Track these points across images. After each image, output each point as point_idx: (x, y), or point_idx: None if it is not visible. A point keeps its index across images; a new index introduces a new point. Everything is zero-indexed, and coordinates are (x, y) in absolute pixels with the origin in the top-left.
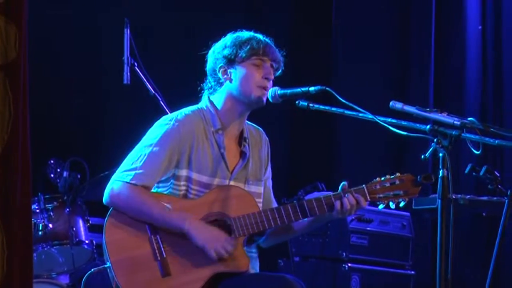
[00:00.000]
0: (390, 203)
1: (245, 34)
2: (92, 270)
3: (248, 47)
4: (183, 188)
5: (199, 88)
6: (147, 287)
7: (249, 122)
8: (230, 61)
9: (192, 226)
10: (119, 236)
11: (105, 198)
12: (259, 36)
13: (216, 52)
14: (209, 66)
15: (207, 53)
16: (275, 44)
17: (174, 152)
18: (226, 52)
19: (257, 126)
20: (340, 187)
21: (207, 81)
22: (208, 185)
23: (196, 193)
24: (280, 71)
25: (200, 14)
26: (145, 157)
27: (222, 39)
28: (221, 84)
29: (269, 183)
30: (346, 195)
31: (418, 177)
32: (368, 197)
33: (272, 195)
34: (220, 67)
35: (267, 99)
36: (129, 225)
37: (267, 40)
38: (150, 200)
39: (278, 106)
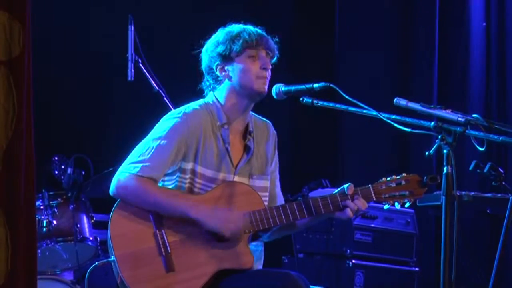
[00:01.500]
0: (396, 203)
1: (236, 27)
2: (97, 263)
3: (241, 40)
4: (188, 181)
5: (198, 89)
6: (150, 282)
7: (256, 115)
8: (226, 58)
9: (200, 212)
10: (124, 231)
11: (112, 189)
12: (250, 27)
13: (210, 50)
14: (204, 64)
15: (200, 51)
16: (278, 36)
17: (182, 145)
18: (220, 49)
19: (264, 119)
20: (345, 188)
21: (205, 80)
22: (213, 179)
23: (201, 187)
24: (275, 58)
25: (204, 10)
26: (153, 150)
27: (214, 36)
28: (220, 82)
29: (275, 175)
30: (355, 197)
31: (424, 178)
32: (374, 197)
33: (278, 188)
34: (217, 65)
35: (272, 95)
36: (134, 219)
37: (258, 30)
38: (156, 190)
39: (282, 103)
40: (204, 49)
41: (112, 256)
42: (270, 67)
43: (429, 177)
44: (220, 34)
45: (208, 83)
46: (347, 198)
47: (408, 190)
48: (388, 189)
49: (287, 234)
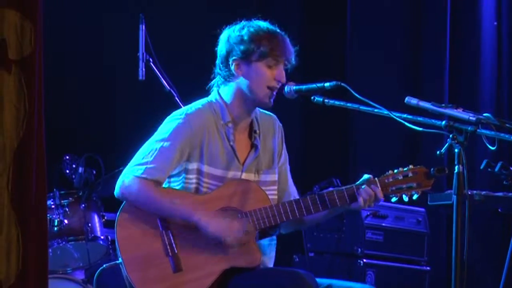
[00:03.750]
0: (403, 196)
1: (263, 28)
2: (104, 266)
3: (266, 47)
4: (194, 181)
5: (209, 84)
6: (159, 283)
7: (261, 110)
8: (246, 57)
9: (202, 217)
10: (130, 232)
11: (116, 191)
12: (277, 32)
13: (232, 42)
14: (221, 51)
15: (219, 33)
16: (289, 37)
17: (186, 146)
18: (243, 47)
19: (269, 113)
20: (364, 178)
21: (218, 67)
22: (221, 178)
23: (208, 186)
24: (289, 66)
25: (216, 9)
26: (156, 151)
27: (239, 27)
28: (231, 77)
29: (285, 167)
30: (363, 186)
31: (431, 169)
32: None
33: (290, 179)
34: (234, 60)
35: (283, 94)
36: (140, 220)
37: (284, 36)
38: (159, 193)
39: (293, 102)
40: (225, 36)
41: (120, 258)
42: (285, 80)
43: (436, 168)
44: (246, 30)
45: (220, 72)
46: (359, 189)
47: (416, 182)
48: (395, 181)
49: (296, 230)
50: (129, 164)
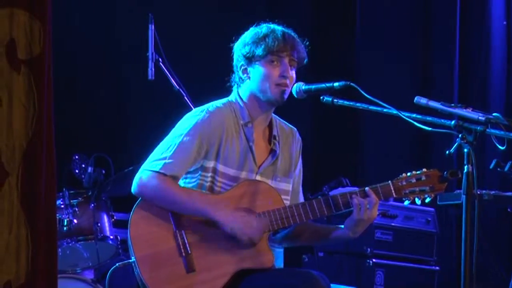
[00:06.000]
0: (416, 199)
1: (264, 29)
2: (117, 264)
3: (264, 45)
4: (209, 179)
5: (227, 83)
6: (171, 283)
7: (281, 120)
8: (249, 60)
9: (222, 214)
10: (144, 231)
11: (134, 188)
12: (278, 30)
13: (238, 49)
14: (234, 61)
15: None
16: (299, 35)
17: (204, 143)
18: (245, 50)
19: (290, 125)
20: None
21: (233, 75)
22: (235, 178)
23: (222, 186)
24: (305, 61)
25: (225, 9)
26: (175, 147)
27: (244, 35)
28: (243, 81)
29: (299, 181)
30: (353, 195)
31: (445, 172)
32: (394, 194)
33: (301, 193)
34: (241, 65)
35: (292, 94)
36: (154, 220)
37: (286, 32)
38: (178, 189)
39: (302, 102)
40: (235, 46)
41: (132, 257)
42: (292, 75)
43: (450, 172)
44: (248, 35)
45: (235, 80)
46: (356, 195)
47: (429, 186)
48: (408, 185)
49: (307, 244)
50: (147, 160)
